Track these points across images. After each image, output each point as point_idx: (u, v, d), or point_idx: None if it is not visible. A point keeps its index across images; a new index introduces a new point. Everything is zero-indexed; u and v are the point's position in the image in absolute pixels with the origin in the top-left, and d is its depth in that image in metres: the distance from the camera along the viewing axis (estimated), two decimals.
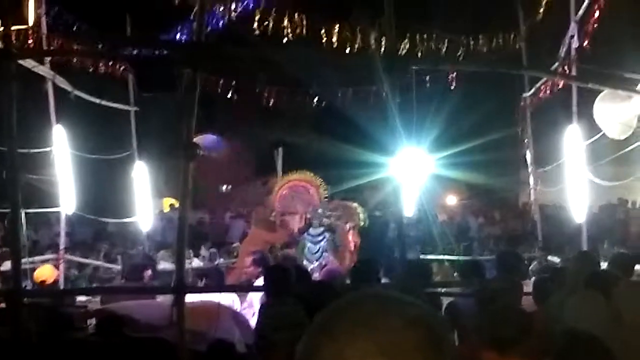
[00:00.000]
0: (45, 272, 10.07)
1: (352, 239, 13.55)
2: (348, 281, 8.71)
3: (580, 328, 3.90)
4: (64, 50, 13.33)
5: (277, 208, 14.15)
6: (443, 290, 8.08)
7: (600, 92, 10.11)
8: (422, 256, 13.80)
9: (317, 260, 12.54)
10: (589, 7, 11.79)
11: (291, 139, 17.61)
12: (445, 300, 7.02)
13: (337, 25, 15.54)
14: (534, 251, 13.87)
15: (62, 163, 12.43)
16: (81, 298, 9.48)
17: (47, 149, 12.45)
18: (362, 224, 13.94)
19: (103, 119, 15.91)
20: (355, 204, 14.28)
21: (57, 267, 11.71)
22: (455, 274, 11.98)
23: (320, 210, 13.45)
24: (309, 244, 12.99)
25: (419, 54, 15.23)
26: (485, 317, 4.25)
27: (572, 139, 11.97)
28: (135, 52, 14.21)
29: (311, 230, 13.14)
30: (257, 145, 21.00)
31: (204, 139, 19.58)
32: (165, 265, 13.44)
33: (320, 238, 13.02)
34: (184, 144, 6.92)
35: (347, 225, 13.61)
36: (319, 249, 12.88)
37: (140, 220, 15.31)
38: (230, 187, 23.87)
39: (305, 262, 12.29)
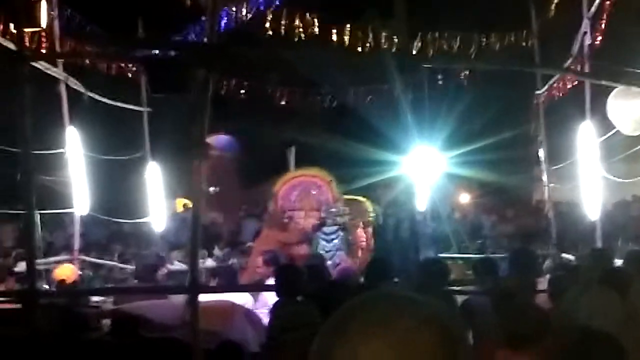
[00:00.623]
0: (66, 272, 10.12)
1: (365, 237, 13.52)
2: (362, 280, 8.70)
3: (595, 326, 3.89)
4: (77, 52, 13.39)
5: (282, 205, 14.03)
6: (457, 288, 8.06)
7: (613, 88, 10.08)
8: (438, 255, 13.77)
9: (330, 259, 12.53)
10: (601, 3, 11.75)
11: (303, 138, 17.58)
12: (460, 299, 7.00)
13: (349, 25, 15.54)
14: (548, 249, 13.82)
15: (75, 164, 12.48)
16: (95, 298, 9.50)
17: (61, 151, 12.50)
18: (373, 220, 13.91)
19: (116, 120, 15.94)
20: (364, 200, 14.19)
21: None
22: (469, 272, 11.95)
23: (333, 209, 13.42)
24: (322, 242, 12.97)
25: (431, 53, 15.22)
26: (502, 315, 4.24)
27: (586, 136, 11.92)
28: (147, 53, 14.25)
29: (324, 229, 13.12)
30: (269, 145, 20.99)
31: (216, 139, 19.59)
32: (178, 265, 13.46)
33: (333, 236, 13.00)
34: (196, 144, 6.93)
35: (360, 224, 13.57)
36: (332, 248, 12.87)
37: (154, 220, 15.35)
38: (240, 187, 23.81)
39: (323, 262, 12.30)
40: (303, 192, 14.01)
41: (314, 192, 14.01)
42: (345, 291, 6.13)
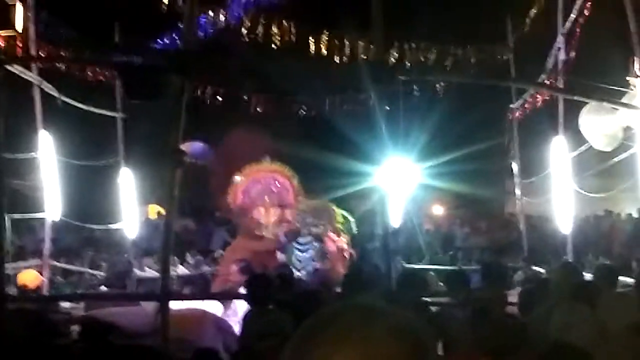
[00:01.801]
0: (28, 277, 10.02)
1: (342, 246, 13.44)
2: (338, 290, 8.69)
3: (567, 339, 3.92)
4: (52, 57, 13.30)
5: (242, 201, 13.88)
6: (429, 300, 8.07)
7: (586, 104, 10.17)
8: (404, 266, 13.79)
9: (304, 269, 12.50)
10: (576, 20, 11.87)
11: (278, 147, 17.56)
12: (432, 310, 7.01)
13: (326, 35, 15.56)
14: (519, 262, 13.90)
15: (47, 169, 12.38)
16: (65, 304, 9.42)
17: (33, 155, 12.39)
18: (348, 230, 13.86)
19: (90, 125, 15.85)
20: (331, 205, 14.00)
21: (41, 273, 11.64)
22: (440, 284, 11.98)
23: (308, 220, 13.38)
24: (297, 252, 12.94)
25: (407, 64, 15.27)
26: (478, 326, 4.26)
27: (558, 151, 12.02)
28: (123, 59, 14.17)
29: (299, 239, 13.08)
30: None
31: (191, 146, 19.50)
32: (149, 272, 13.39)
33: (307, 247, 12.97)
34: (170, 151, 6.91)
35: (334, 232, 13.52)
36: (306, 258, 12.84)
37: (126, 227, 15.26)
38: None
39: (292, 270, 12.26)
40: (264, 188, 13.85)
41: (274, 189, 13.89)
42: (316, 300, 6.11)
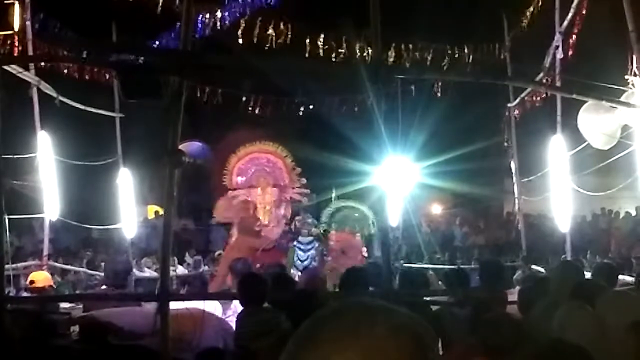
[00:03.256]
0: (39, 276, 10.01)
1: (357, 245, 13.36)
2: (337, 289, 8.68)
3: (566, 337, 3.92)
4: (50, 57, 13.30)
5: (236, 184, 13.83)
6: (429, 298, 8.08)
7: (584, 102, 10.18)
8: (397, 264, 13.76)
9: (305, 269, 12.48)
10: (573, 18, 11.88)
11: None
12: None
13: (323, 34, 15.57)
14: (518, 260, 13.90)
15: (46, 169, 12.38)
16: (64, 305, 9.41)
17: (32, 155, 12.39)
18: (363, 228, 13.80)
19: (88, 125, 15.83)
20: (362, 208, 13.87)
21: None
22: (439, 283, 11.98)
23: (309, 220, 13.36)
24: (298, 252, 12.92)
25: (405, 64, 15.27)
26: (477, 324, 4.26)
27: (556, 149, 12.03)
28: (121, 58, 14.16)
29: (301, 239, 13.06)
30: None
31: (189, 146, 19.48)
32: (148, 272, 13.39)
33: (309, 247, 12.95)
34: (169, 151, 6.90)
35: (356, 233, 13.48)
36: (307, 257, 12.82)
37: (125, 227, 15.25)
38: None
39: (293, 271, 12.25)
40: (258, 169, 13.81)
41: (268, 170, 13.85)
42: (314, 300, 6.10)
